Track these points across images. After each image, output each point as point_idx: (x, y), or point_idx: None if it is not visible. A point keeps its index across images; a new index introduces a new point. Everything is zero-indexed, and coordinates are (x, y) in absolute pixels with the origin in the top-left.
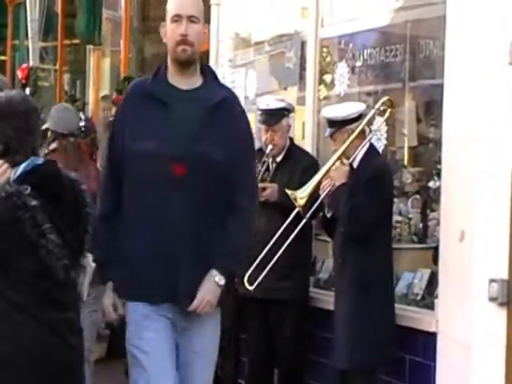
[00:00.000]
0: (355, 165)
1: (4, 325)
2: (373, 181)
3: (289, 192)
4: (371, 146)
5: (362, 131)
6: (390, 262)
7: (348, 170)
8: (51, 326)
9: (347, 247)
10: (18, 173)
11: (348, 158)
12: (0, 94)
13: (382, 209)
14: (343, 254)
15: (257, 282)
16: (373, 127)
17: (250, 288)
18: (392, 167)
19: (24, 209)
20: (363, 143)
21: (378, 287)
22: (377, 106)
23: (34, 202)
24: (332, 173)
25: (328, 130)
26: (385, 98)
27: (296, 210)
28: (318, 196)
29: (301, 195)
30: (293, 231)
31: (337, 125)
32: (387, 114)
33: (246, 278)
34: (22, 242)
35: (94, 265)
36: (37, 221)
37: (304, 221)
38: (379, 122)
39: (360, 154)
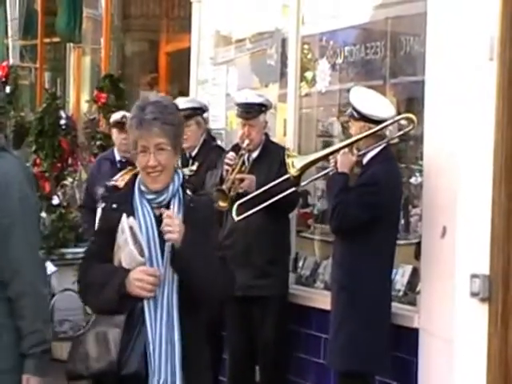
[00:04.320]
0: (364, 161)
1: None
2: (366, 186)
3: (287, 153)
4: (387, 150)
5: (379, 134)
6: (380, 268)
7: (354, 161)
8: None
9: (337, 242)
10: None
11: (358, 151)
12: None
13: (369, 214)
14: (334, 249)
15: (244, 216)
16: (388, 134)
17: (236, 218)
18: (400, 175)
19: None
20: (376, 145)
21: (361, 291)
22: (396, 118)
23: None
24: (339, 157)
25: (349, 112)
26: (406, 115)
27: (287, 176)
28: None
29: (297, 163)
30: (273, 224)
31: (358, 114)
32: (406, 130)
33: (234, 208)
34: None
35: None
36: None
37: (293, 189)
38: (397, 133)
39: (371, 153)
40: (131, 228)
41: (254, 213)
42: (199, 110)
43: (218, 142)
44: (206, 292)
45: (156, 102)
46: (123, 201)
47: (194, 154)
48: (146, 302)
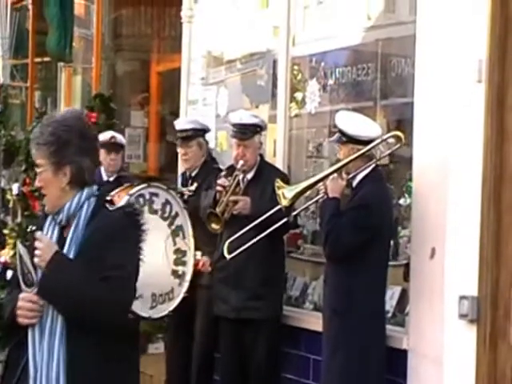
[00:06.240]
0: (354, 184)
1: None
2: (357, 210)
3: (277, 184)
4: (376, 171)
5: (368, 155)
6: (374, 291)
7: (344, 185)
8: None
9: (329, 266)
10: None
11: (348, 174)
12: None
13: (363, 236)
14: (326, 273)
15: (235, 253)
16: (377, 155)
17: (228, 256)
18: (390, 196)
19: None
20: (365, 166)
21: (355, 315)
22: (384, 137)
23: None
24: (328, 182)
25: (336, 136)
26: (394, 133)
27: (279, 207)
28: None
29: (287, 193)
30: (266, 247)
31: (345, 137)
32: (395, 148)
33: (226, 246)
34: None
35: None
36: None
37: (285, 219)
38: (385, 152)
39: (360, 175)
40: (21, 256)
41: (245, 249)
42: (201, 132)
43: (221, 166)
44: (82, 320)
45: (43, 121)
46: (41, 223)
47: (193, 174)
48: (30, 333)
